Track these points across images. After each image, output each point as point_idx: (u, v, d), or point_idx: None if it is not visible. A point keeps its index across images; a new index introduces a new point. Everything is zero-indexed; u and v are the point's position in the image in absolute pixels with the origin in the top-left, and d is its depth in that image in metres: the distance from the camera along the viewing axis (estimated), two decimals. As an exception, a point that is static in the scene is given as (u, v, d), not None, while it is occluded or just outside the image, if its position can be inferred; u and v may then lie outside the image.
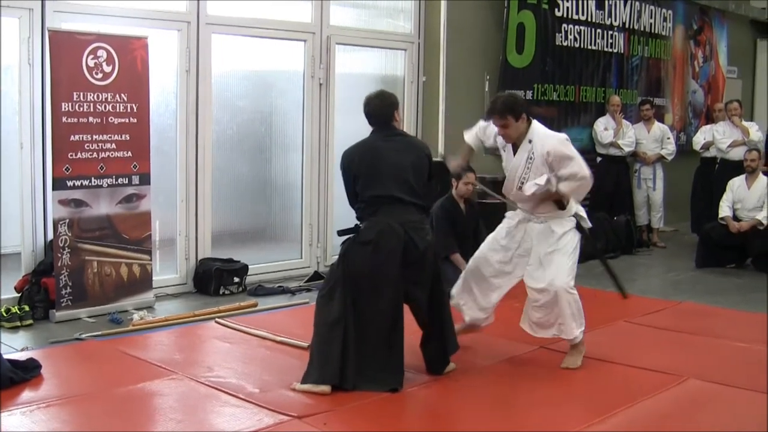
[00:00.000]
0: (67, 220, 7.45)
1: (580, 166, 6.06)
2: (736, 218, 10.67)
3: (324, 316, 5.68)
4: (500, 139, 6.32)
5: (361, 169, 5.78)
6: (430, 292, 5.88)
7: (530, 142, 6.12)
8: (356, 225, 5.81)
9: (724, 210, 10.74)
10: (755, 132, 11.88)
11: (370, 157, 5.80)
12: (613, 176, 12.36)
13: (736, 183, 10.79)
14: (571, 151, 6.09)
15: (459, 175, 6.57)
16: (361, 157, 5.84)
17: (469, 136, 6.64)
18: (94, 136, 7.58)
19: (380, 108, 5.93)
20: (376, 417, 5.28)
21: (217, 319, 7.44)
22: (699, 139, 12.64)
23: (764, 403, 5.56)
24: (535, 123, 6.20)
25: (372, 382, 5.58)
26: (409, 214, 5.75)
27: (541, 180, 6.02)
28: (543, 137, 6.14)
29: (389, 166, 5.76)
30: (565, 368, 6.19)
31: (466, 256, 8.48)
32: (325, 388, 5.49)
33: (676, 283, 9.62)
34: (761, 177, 10.71)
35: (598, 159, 12.55)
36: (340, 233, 5.95)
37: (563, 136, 6.22)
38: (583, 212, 6.30)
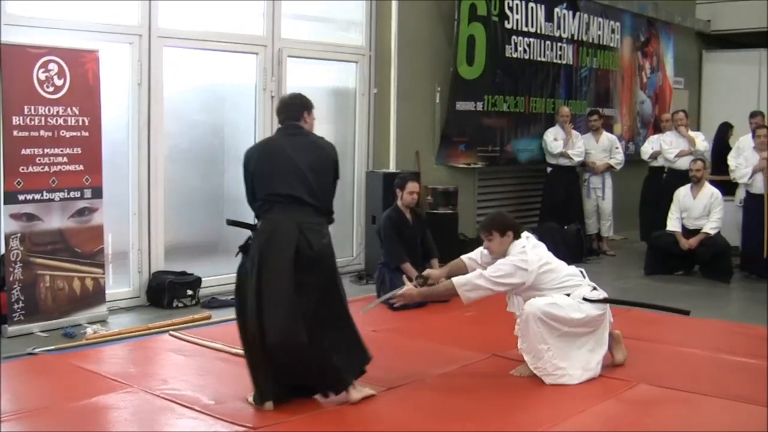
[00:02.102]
0: (19, 234, 7.40)
1: (487, 278, 6.11)
2: (684, 227, 10.83)
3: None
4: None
5: (259, 166, 5.62)
6: (326, 296, 5.56)
7: (505, 255, 6.26)
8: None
9: (673, 224, 10.89)
10: (701, 142, 12.08)
11: (270, 155, 5.64)
12: (563, 186, 12.52)
13: (682, 193, 10.95)
14: (503, 268, 6.12)
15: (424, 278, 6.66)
16: (260, 153, 5.72)
17: (465, 257, 6.69)
18: (46, 150, 7.55)
19: (289, 105, 5.85)
20: (330, 427, 5.33)
21: (171, 332, 7.43)
22: (647, 148, 12.82)
23: (711, 406, 5.72)
24: (518, 240, 6.28)
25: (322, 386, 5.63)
26: (307, 215, 5.52)
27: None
28: (511, 251, 6.24)
29: (289, 163, 5.55)
30: (516, 375, 6.27)
31: (415, 266, 8.60)
32: (267, 405, 5.46)
33: (625, 291, 9.73)
34: (707, 186, 10.88)
35: (549, 169, 12.71)
36: (230, 223, 5.93)
37: (519, 258, 6.14)
38: (591, 296, 6.25)
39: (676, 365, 6.71)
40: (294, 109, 5.83)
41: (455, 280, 6.19)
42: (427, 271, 6.72)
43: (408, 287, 6.32)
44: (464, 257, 6.70)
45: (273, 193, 5.56)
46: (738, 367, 6.71)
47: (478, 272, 6.21)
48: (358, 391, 5.65)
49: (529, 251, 6.18)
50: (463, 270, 6.55)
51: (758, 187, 10.79)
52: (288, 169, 5.56)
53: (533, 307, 6.08)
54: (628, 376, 6.28)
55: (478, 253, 6.59)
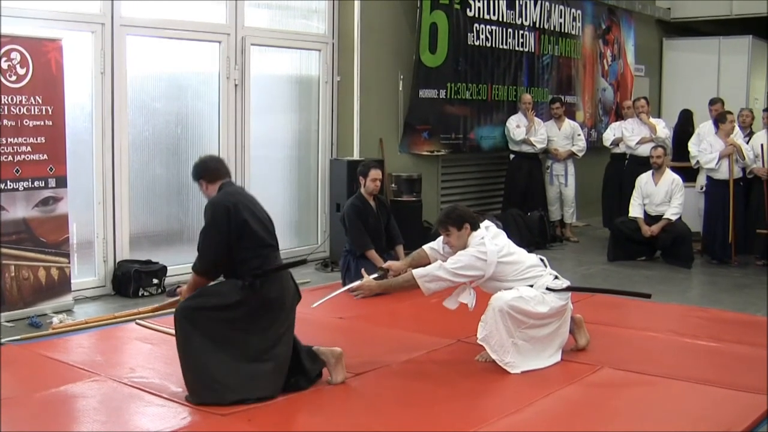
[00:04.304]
0: (-17, 224, 7.38)
1: (447, 269, 6.17)
2: (645, 213, 10.95)
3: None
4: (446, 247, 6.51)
5: (252, 217, 5.57)
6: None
7: (465, 247, 6.29)
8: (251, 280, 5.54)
9: (636, 210, 11.02)
10: (662, 129, 12.19)
11: (254, 207, 5.68)
12: (525, 173, 12.62)
13: (644, 179, 11.07)
14: (462, 259, 6.19)
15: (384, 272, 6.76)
16: (245, 205, 5.62)
17: (428, 246, 6.74)
18: (9, 139, 7.50)
19: (223, 163, 5.98)
20: (299, 412, 5.39)
21: (137, 321, 7.42)
22: (609, 135, 12.91)
23: (674, 389, 5.82)
24: (477, 231, 6.32)
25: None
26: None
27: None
28: (471, 243, 6.29)
29: (266, 215, 5.76)
30: (481, 361, 6.31)
31: (380, 253, 8.65)
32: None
33: (588, 277, 9.84)
34: (668, 172, 11.01)
35: (511, 156, 12.79)
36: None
37: (477, 250, 6.20)
38: (554, 285, 6.30)
39: (639, 349, 6.81)
40: (227, 167, 5.98)
41: (415, 272, 6.23)
42: (388, 263, 6.77)
43: (367, 279, 6.33)
44: (426, 247, 6.74)
45: (274, 243, 5.70)
46: (700, 350, 6.83)
47: (438, 264, 6.26)
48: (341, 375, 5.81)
49: (488, 242, 6.23)
50: (426, 260, 6.60)
51: (723, 173, 10.90)
52: (269, 219, 5.74)
53: (500, 301, 6.12)
54: (592, 360, 6.37)
55: (440, 243, 6.63)
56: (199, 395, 5.37)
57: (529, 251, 6.64)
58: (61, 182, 7.90)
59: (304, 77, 10.80)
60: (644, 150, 11.86)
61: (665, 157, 11.19)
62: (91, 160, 8.61)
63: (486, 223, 6.48)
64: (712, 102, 12.28)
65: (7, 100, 7.48)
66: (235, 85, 9.76)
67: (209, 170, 5.85)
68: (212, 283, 5.68)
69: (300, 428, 5.30)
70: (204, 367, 5.39)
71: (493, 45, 12.74)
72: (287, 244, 10.58)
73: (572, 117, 14.02)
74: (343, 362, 5.82)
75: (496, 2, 12.66)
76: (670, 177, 10.95)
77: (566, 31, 14.49)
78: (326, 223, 10.88)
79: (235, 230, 5.50)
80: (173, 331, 6.84)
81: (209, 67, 9.69)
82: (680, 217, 10.86)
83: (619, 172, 12.61)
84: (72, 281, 8.12)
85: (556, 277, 6.39)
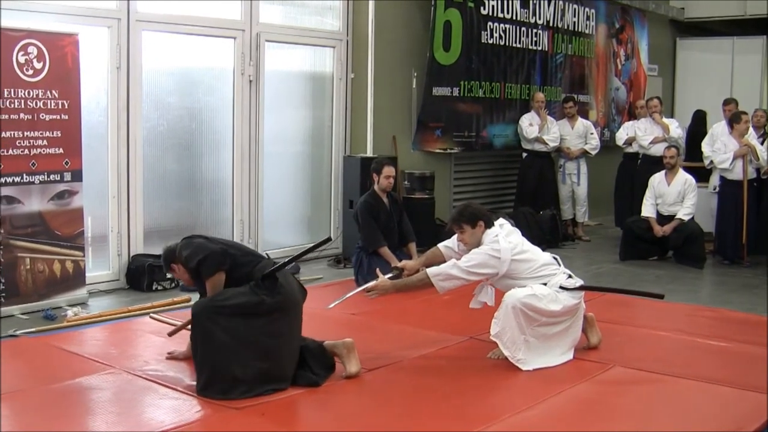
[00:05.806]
0: (-1, 217, 7.43)
1: (461, 268, 6.17)
2: (658, 213, 10.96)
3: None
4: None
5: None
6: None
7: (479, 245, 6.31)
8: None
9: (648, 209, 11.01)
10: (675, 129, 12.17)
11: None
12: (537, 171, 12.62)
13: (657, 179, 11.07)
14: (475, 257, 6.19)
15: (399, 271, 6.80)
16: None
17: (442, 245, 6.77)
18: (25, 133, 7.54)
19: None
20: (311, 406, 5.41)
21: (151, 314, 7.44)
22: (621, 135, 12.92)
23: (685, 388, 5.83)
24: (491, 229, 6.33)
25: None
26: None
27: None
28: (485, 240, 6.30)
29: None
30: (493, 358, 6.32)
31: (392, 250, 8.67)
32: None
33: (599, 275, 9.85)
34: (681, 173, 11.00)
35: (524, 154, 12.80)
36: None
37: (490, 247, 6.21)
38: (567, 284, 6.31)
39: (650, 348, 6.81)
40: None
41: (429, 271, 6.23)
42: (402, 263, 6.78)
43: (381, 279, 6.34)
44: (441, 246, 6.75)
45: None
46: (710, 349, 6.82)
47: (452, 262, 6.26)
48: (354, 365, 5.85)
49: (502, 240, 6.23)
50: (440, 258, 6.60)
51: (737, 173, 10.88)
52: None
53: (513, 299, 6.12)
54: (603, 358, 6.38)
55: (455, 241, 6.64)
56: (215, 390, 5.40)
57: (542, 249, 6.65)
58: (77, 176, 7.94)
59: (317, 74, 10.83)
60: (657, 150, 11.86)
61: (678, 157, 11.18)
62: (106, 154, 8.66)
63: (500, 221, 6.48)
64: (726, 102, 12.27)
65: (24, 93, 7.53)
66: (249, 81, 9.80)
67: (175, 252, 5.91)
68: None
69: (311, 422, 5.33)
70: (224, 363, 5.41)
71: (507, 43, 12.75)
72: (299, 240, 10.63)
73: (585, 116, 14.01)
74: (356, 353, 5.86)
75: (510, 1, 12.67)
76: (683, 177, 10.95)
77: (579, 30, 14.50)
78: (339, 220, 10.92)
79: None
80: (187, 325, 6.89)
81: (224, 62, 9.73)
82: (693, 217, 10.85)
83: (631, 172, 12.60)
84: (86, 275, 8.17)
85: (570, 276, 6.40)
